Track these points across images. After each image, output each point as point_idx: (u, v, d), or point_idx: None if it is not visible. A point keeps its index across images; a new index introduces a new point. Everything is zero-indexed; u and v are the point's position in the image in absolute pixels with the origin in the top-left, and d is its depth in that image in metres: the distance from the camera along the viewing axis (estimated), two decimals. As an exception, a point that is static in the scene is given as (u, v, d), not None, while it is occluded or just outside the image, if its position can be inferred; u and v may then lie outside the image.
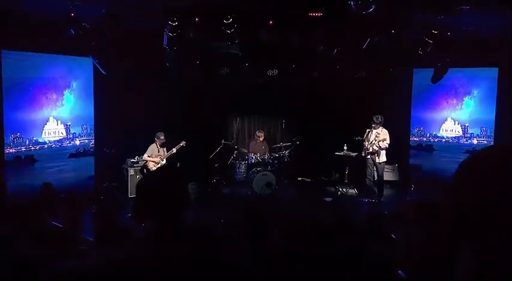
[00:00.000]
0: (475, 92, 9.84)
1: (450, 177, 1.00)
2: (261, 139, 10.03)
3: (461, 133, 10.03)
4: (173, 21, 7.01)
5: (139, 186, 2.03)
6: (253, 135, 10.40)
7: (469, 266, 0.92)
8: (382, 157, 8.66)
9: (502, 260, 0.87)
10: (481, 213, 0.89)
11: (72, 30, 6.73)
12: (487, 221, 0.89)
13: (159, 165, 8.63)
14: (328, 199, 9.12)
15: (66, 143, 8.66)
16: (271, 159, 9.68)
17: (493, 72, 9.47)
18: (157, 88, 9.39)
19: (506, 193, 0.87)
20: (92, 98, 9.03)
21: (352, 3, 5.83)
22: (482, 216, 0.89)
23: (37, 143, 8.14)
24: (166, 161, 8.77)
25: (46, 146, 8.30)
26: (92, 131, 9.12)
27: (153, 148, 8.70)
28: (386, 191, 9.43)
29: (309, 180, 10.68)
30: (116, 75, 8.38)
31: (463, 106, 10.01)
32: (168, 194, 1.87)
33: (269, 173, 9.11)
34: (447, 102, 10.15)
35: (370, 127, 8.69)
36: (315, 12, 7.06)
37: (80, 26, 6.75)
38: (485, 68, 9.65)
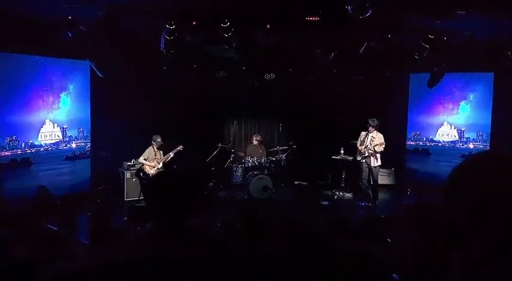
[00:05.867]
0: (471, 96, 9.89)
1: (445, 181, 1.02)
2: (258, 143, 10.02)
3: (457, 138, 10.07)
4: (170, 25, 7.02)
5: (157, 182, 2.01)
6: (250, 139, 10.39)
7: (460, 268, 0.92)
8: (378, 161, 8.65)
9: (491, 262, 0.88)
10: (471, 217, 0.90)
11: (69, 32, 6.73)
12: (477, 225, 0.90)
13: (155, 168, 8.61)
14: (325, 203, 9.11)
15: (62, 146, 8.64)
16: (268, 163, 9.67)
17: (489, 77, 9.53)
18: (154, 91, 9.38)
19: (494, 198, 0.89)
20: (89, 101, 9.02)
21: (349, 7, 5.85)
22: (472, 220, 0.90)
23: (33, 146, 8.11)
24: (162, 165, 8.76)
25: (42, 149, 8.27)
26: (89, 134, 9.11)
27: (150, 151, 8.69)
28: (383, 195, 9.44)
29: (305, 184, 10.66)
30: (112, 78, 8.37)
31: (459, 111, 10.06)
32: (183, 196, 1.85)
33: (266, 176, 9.10)
34: (443, 107, 10.20)
35: (366, 130, 8.71)
36: (312, 17, 7.09)
37: (77, 28, 6.75)
38: (481, 73, 9.70)
